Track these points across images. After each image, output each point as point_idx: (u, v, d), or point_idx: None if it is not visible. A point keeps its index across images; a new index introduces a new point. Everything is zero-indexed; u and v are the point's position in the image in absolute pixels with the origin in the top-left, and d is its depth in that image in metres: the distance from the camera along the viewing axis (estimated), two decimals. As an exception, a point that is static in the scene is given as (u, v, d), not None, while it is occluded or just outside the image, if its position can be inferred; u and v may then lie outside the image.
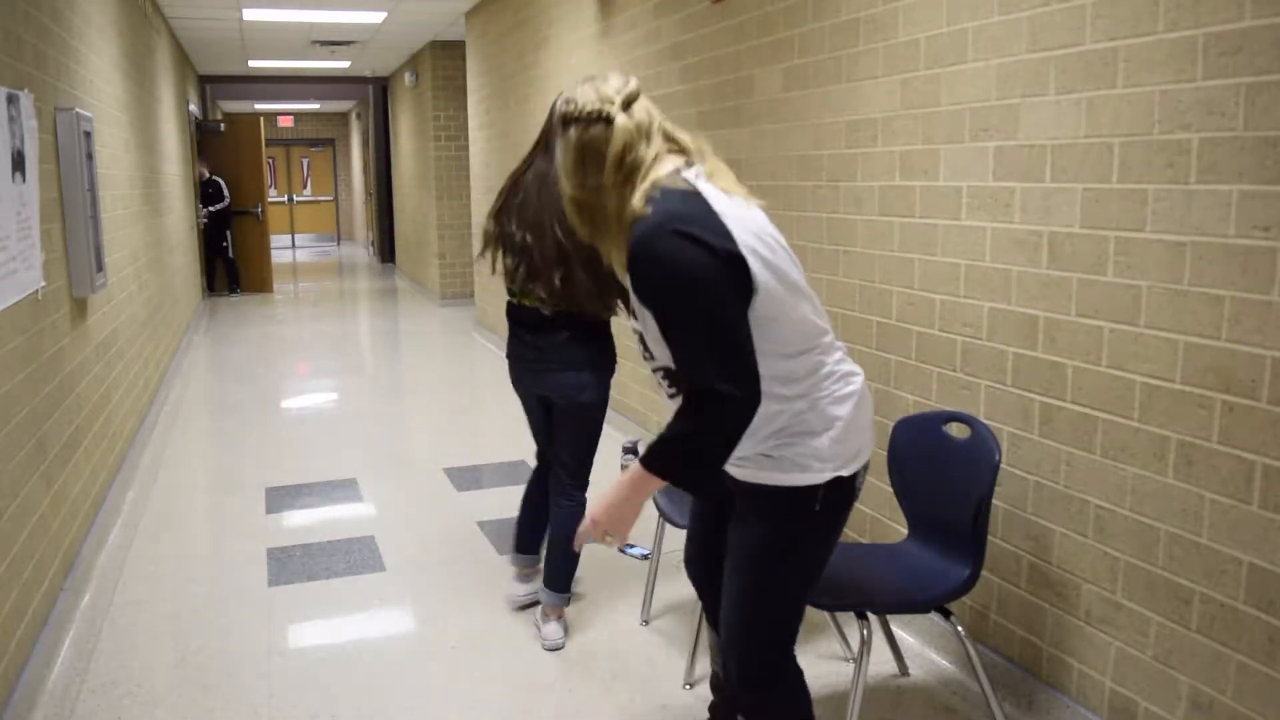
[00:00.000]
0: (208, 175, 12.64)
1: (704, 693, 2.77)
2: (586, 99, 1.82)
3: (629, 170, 1.81)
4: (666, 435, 1.78)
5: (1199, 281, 2.13)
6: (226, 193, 12.72)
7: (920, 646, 3.08)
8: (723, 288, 1.74)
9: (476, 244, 9.32)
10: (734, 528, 2.01)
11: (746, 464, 1.93)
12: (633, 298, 1.83)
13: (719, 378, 1.71)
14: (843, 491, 1.93)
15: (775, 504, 1.93)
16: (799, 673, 2.05)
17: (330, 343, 9.54)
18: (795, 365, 1.87)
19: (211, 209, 12.62)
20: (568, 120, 1.85)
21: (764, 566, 1.95)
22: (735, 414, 1.73)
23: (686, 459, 1.80)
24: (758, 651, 2.01)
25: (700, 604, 2.58)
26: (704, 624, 2.78)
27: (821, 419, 1.89)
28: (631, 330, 1.96)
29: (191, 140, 11.20)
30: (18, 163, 3.12)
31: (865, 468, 1.99)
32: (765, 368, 1.80)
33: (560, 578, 3.15)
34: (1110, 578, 2.41)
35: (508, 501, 4.56)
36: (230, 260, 12.93)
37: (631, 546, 3.84)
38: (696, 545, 2.34)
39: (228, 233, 12.80)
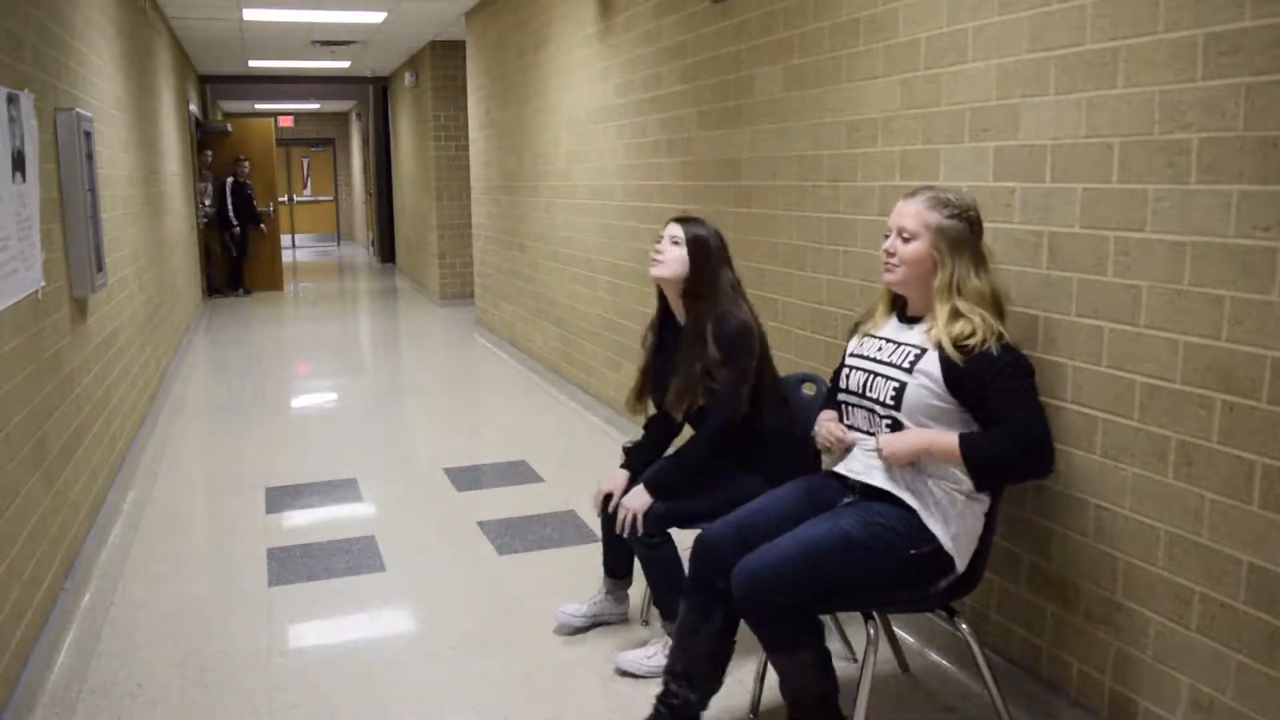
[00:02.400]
0: (245, 177, 12.74)
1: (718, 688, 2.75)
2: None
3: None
4: (989, 437, 2.27)
5: (1199, 281, 2.13)
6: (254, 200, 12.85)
7: (920, 646, 3.08)
8: None
9: (477, 244, 9.33)
10: (855, 509, 2.41)
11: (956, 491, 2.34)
12: (940, 381, 2.30)
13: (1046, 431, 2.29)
14: (943, 563, 2.35)
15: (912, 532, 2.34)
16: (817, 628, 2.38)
17: (330, 343, 9.54)
18: None
19: (255, 223, 12.81)
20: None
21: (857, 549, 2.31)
22: (1046, 454, 2.29)
23: (1000, 461, 2.27)
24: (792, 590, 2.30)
25: (687, 587, 2.57)
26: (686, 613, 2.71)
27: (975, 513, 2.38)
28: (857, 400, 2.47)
29: (191, 140, 11.21)
30: (18, 163, 3.11)
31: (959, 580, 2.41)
32: None
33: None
34: (1110, 578, 2.41)
35: (508, 501, 4.56)
36: (235, 260, 12.92)
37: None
38: (732, 531, 2.49)
39: (238, 232, 12.83)
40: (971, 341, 2.26)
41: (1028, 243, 2.58)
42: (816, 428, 2.60)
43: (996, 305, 2.36)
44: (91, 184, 4.16)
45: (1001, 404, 2.26)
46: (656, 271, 2.94)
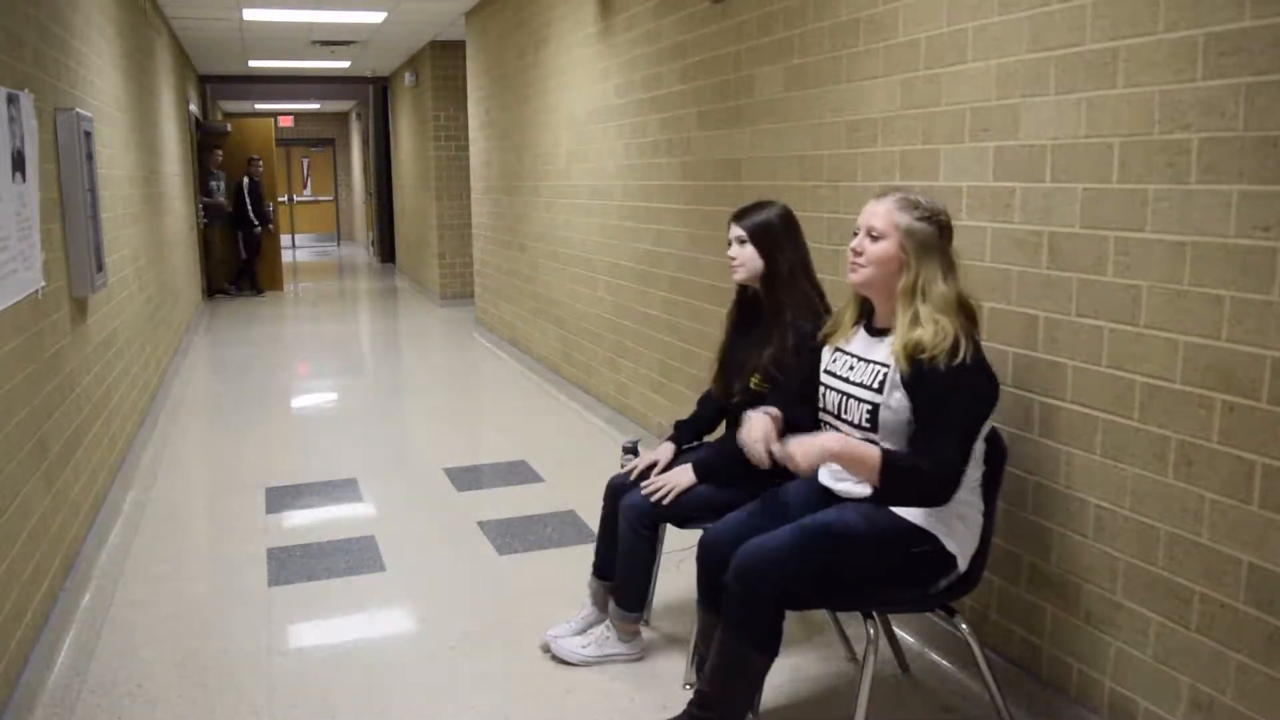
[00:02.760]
0: (258, 177, 12.84)
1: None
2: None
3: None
4: (908, 459, 2.24)
5: (1199, 281, 2.13)
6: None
7: (920, 646, 3.08)
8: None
9: (477, 244, 9.33)
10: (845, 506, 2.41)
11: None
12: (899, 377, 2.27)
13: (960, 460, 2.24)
14: (944, 563, 2.34)
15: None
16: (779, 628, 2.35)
17: (330, 343, 9.54)
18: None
19: (266, 224, 12.92)
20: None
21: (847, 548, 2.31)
22: (949, 485, 2.24)
23: (902, 473, 2.23)
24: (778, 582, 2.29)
25: (699, 592, 2.57)
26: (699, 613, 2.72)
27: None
28: (838, 402, 2.43)
29: (192, 140, 11.21)
30: (18, 163, 3.11)
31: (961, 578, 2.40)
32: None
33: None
34: (1110, 578, 2.41)
35: (508, 501, 4.56)
36: (246, 260, 12.89)
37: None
38: (734, 530, 2.48)
39: (258, 231, 12.85)
40: (922, 356, 2.22)
41: (1028, 243, 2.58)
42: (751, 430, 2.46)
43: (966, 311, 2.30)
44: (91, 184, 4.16)
45: (929, 426, 2.23)
46: (738, 278, 2.90)
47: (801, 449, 2.28)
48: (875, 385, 2.32)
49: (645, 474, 3.00)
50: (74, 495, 3.68)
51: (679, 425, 3.14)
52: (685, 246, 4.67)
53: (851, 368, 2.42)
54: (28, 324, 3.20)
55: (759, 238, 2.86)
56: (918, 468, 2.22)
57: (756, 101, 3.92)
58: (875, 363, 2.35)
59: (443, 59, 10.89)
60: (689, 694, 2.78)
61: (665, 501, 2.85)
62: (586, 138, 5.99)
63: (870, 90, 3.20)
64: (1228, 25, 2.03)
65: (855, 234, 2.40)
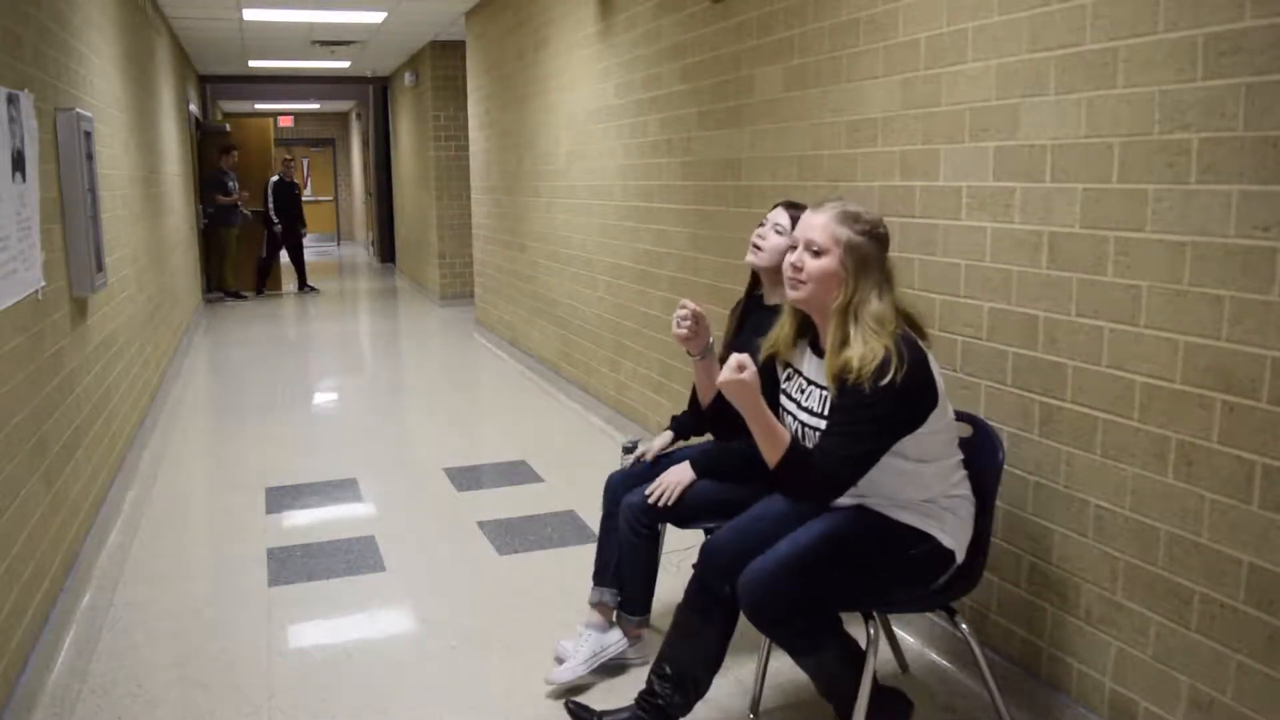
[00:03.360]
0: (289, 176, 12.87)
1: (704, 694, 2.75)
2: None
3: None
4: (808, 451, 2.25)
5: (1199, 281, 2.13)
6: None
7: (920, 646, 3.08)
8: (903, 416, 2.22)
9: (477, 244, 9.33)
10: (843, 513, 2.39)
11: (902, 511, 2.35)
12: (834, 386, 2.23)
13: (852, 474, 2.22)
14: (942, 558, 2.34)
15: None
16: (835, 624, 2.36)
17: (330, 343, 9.54)
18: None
19: (298, 224, 12.97)
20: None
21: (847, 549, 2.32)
22: (830, 492, 2.29)
23: (797, 468, 2.22)
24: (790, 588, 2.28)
25: (686, 593, 2.54)
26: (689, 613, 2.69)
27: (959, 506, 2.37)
28: (797, 409, 2.40)
29: (192, 140, 11.20)
30: (18, 163, 3.11)
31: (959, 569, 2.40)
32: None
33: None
34: (1110, 578, 2.41)
35: (508, 501, 4.56)
36: (264, 261, 12.85)
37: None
38: (736, 541, 2.44)
39: (278, 230, 12.85)
40: (848, 376, 2.17)
41: (1028, 243, 2.58)
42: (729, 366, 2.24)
43: (909, 323, 2.27)
44: (91, 184, 4.16)
45: (836, 433, 2.20)
46: (755, 260, 2.80)
47: (742, 379, 2.17)
48: (824, 412, 2.30)
49: (649, 478, 2.95)
50: (74, 495, 3.68)
51: (676, 418, 3.14)
52: (685, 246, 4.67)
53: (803, 390, 2.39)
54: (28, 324, 3.20)
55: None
56: (812, 466, 2.21)
57: (756, 101, 3.93)
58: (822, 386, 2.32)
59: (443, 59, 10.90)
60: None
61: (669, 502, 2.84)
62: (586, 138, 5.99)
63: (870, 90, 3.20)
64: (1228, 25, 2.03)
65: (794, 248, 2.31)
